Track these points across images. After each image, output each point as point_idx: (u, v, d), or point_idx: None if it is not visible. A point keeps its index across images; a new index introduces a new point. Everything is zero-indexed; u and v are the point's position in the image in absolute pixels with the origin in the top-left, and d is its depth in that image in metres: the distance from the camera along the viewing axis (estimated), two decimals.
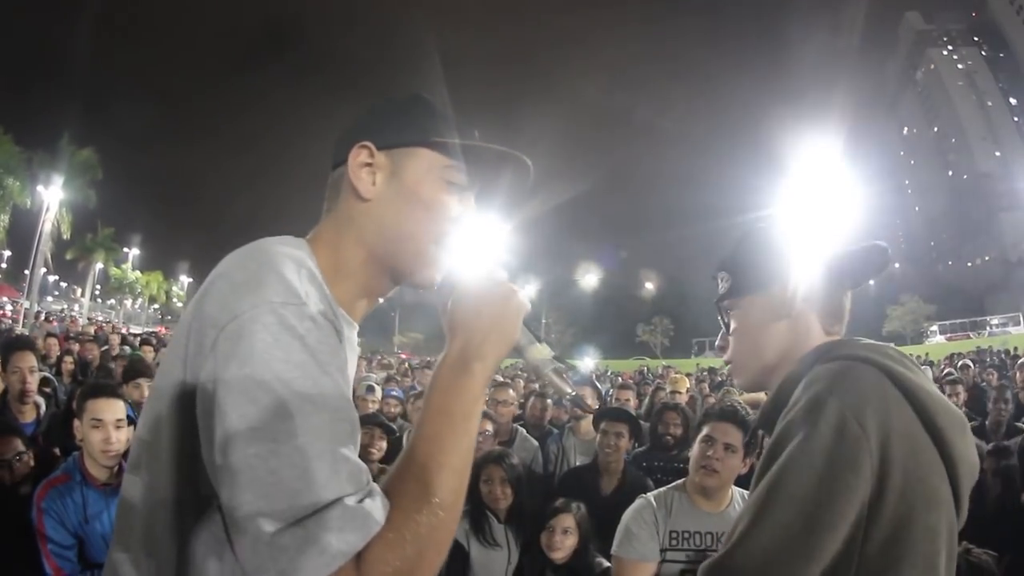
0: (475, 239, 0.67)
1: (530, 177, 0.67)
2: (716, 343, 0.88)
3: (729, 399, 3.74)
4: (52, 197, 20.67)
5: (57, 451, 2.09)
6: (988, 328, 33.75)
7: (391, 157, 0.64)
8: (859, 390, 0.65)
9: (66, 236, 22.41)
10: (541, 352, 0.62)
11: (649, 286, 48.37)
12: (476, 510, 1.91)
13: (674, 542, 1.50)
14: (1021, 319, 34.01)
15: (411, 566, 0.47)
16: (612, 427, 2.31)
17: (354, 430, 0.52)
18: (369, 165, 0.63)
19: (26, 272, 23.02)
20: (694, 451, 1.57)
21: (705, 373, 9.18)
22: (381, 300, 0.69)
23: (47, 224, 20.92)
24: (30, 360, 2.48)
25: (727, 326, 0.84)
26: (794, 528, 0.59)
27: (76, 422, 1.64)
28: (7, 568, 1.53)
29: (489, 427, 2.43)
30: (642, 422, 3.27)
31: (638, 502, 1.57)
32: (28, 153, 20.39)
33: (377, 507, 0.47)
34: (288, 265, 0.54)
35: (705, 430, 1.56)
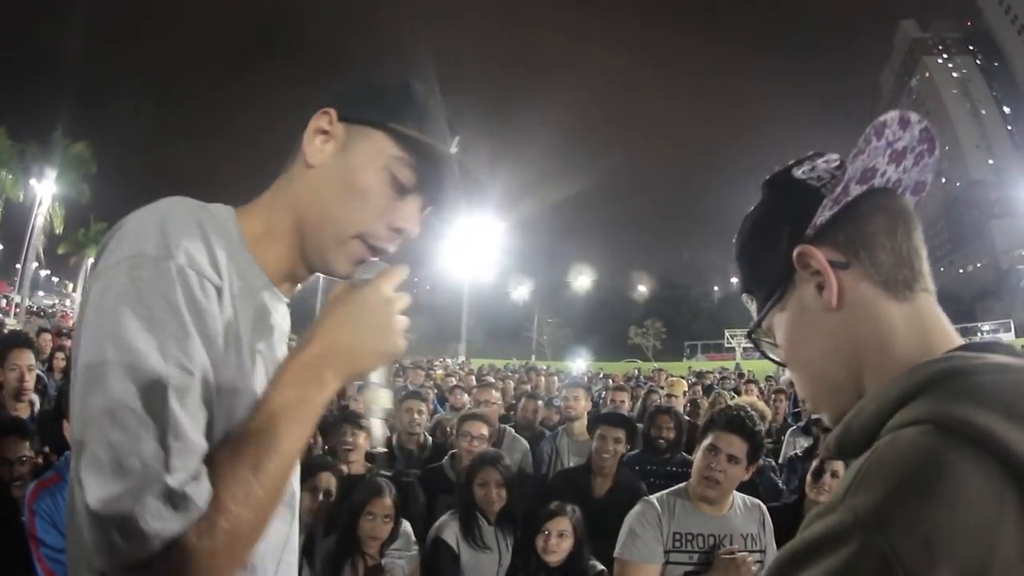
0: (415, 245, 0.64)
1: (467, 195, 0.63)
2: (783, 380, 0.70)
3: (722, 402, 3.75)
4: (45, 191, 20.48)
5: (47, 449, 2.06)
6: (979, 334, 34.07)
7: (348, 131, 0.59)
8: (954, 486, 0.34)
9: (58, 231, 22.19)
10: (382, 398, 0.60)
11: (642, 288, 48.51)
12: (467, 513, 1.90)
13: (677, 544, 1.50)
14: (1012, 326, 34.38)
15: (223, 558, 0.46)
16: (610, 432, 2.30)
17: (206, 400, 0.49)
18: (326, 133, 0.60)
19: (17, 266, 22.79)
20: (697, 459, 1.56)
21: (695, 377, 9.11)
22: (299, 286, 0.66)
23: (39, 218, 20.73)
24: (29, 358, 2.48)
25: (769, 356, 0.58)
26: None
27: (66, 423, 1.63)
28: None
29: (484, 430, 2.42)
30: (636, 424, 3.29)
31: (641, 504, 1.57)
32: (21, 146, 20.18)
33: (201, 492, 0.46)
34: (175, 224, 0.51)
35: (709, 439, 1.53)
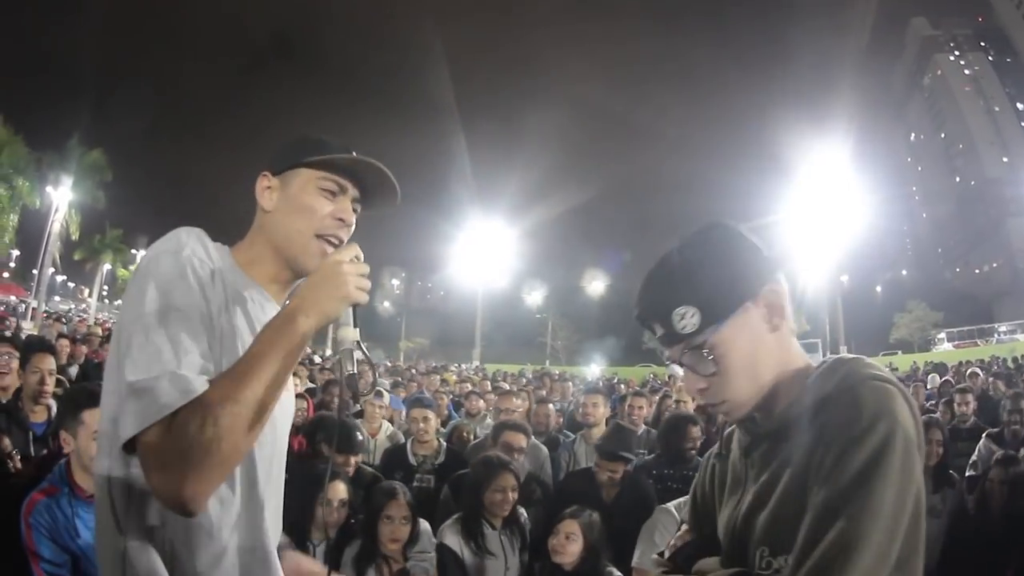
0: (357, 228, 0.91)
1: (388, 179, 0.89)
2: (692, 386, 0.74)
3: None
4: (61, 198, 20.84)
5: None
6: (996, 335, 33.36)
7: (282, 179, 0.89)
8: (898, 401, 0.66)
9: (74, 237, 22.57)
10: (349, 334, 0.79)
11: None
12: (473, 519, 1.87)
13: None
14: None
15: (216, 431, 0.67)
16: (607, 466, 2.29)
17: (204, 329, 0.76)
18: (269, 188, 0.89)
19: (34, 272, 23.21)
20: None
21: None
22: (289, 294, 0.91)
23: (56, 225, 21.09)
24: (50, 363, 2.52)
25: (709, 365, 0.70)
26: (883, 545, 0.60)
27: (64, 435, 1.56)
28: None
29: (523, 442, 2.39)
30: (651, 429, 3.26)
31: (659, 512, 1.54)
32: (38, 154, 20.59)
33: (200, 382, 0.70)
34: (186, 235, 0.82)
35: None
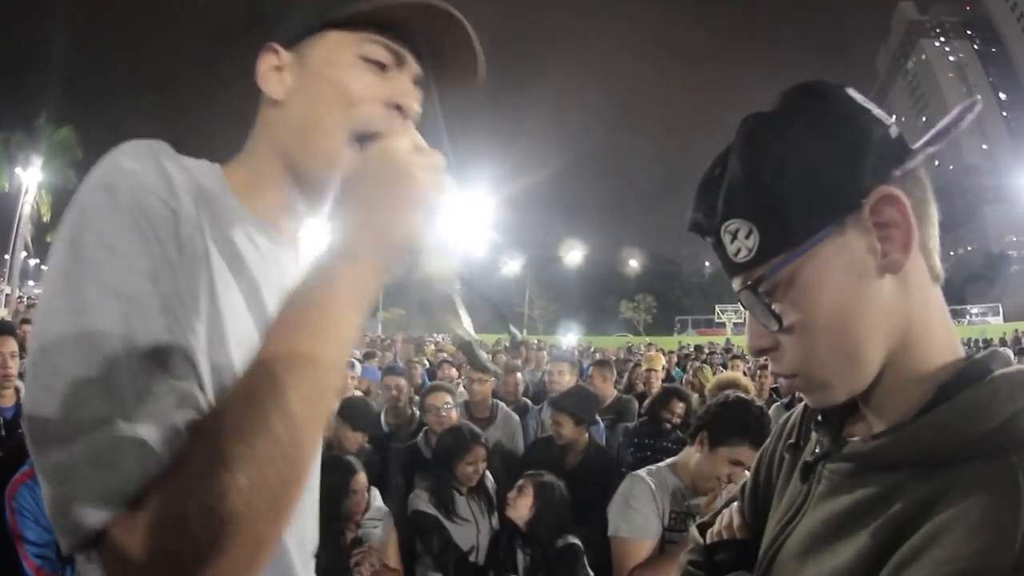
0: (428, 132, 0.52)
1: (471, 40, 0.54)
2: (754, 343, 0.46)
3: (702, 377, 3.75)
4: (30, 179, 20.11)
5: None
6: (968, 317, 34.47)
7: (298, 52, 0.54)
8: None
9: (46, 218, 21.86)
10: (443, 267, 0.46)
11: (633, 263, 48.42)
12: (442, 489, 1.89)
13: (673, 522, 1.45)
14: (1001, 310, 34.79)
15: (216, 527, 0.35)
16: (554, 416, 2.29)
17: (177, 314, 0.41)
18: (279, 68, 0.54)
19: (6, 257, 22.51)
20: (711, 464, 1.42)
21: (692, 350, 8.77)
22: (307, 218, 0.58)
23: (26, 207, 20.40)
24: (11, 345, 2.49)
25: (771, 316, 0.43)
26: None
27: None
28: None
29: (448, 399, 2.39)
30: (624, 396, 3.31)
31: (630, 480, 1.52)
32: (5, 134, 19.77)
33: (182, 417, 0.38)
34: (128, 149, 0.45)
35: (737, 454, 1.38)
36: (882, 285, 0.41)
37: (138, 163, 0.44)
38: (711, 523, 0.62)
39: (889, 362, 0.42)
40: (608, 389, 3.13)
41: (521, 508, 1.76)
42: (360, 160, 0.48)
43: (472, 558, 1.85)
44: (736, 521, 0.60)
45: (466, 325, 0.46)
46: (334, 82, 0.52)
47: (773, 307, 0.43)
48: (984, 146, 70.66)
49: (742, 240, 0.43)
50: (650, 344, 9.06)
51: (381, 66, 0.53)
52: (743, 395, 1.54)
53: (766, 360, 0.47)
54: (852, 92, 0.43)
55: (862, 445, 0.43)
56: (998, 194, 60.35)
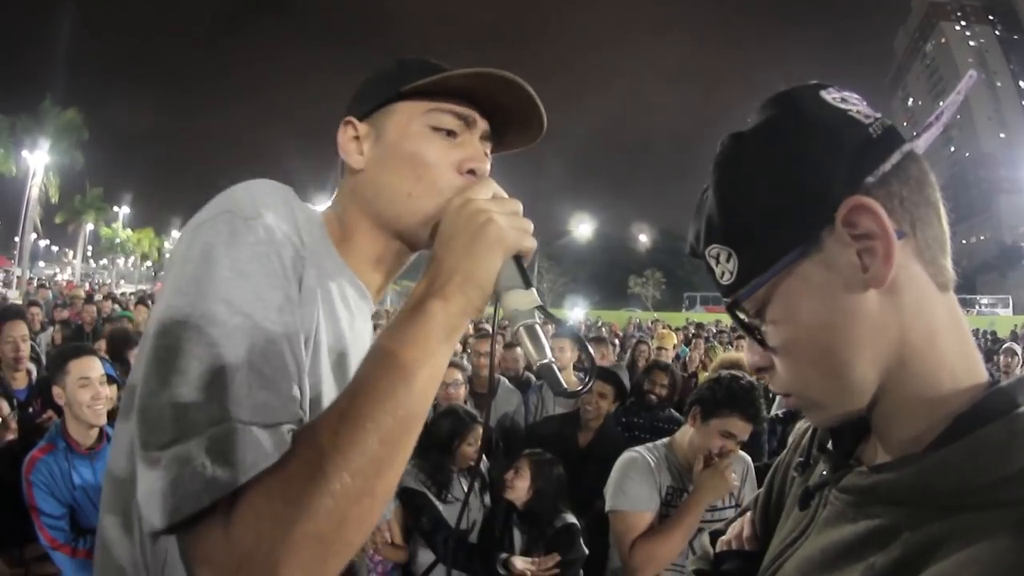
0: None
1: (526, 92, 0.58)
2: (749, 361, 0.47)
3: (713, 355, 3.73)
4: (38, 162, 20.21)
5: (51, 413, 2.13)
6: (977, 307, 34.05)
7: (373, 123, 0.60)
8: None
9: (54, 200, 22.05)
10: (522, 299, 0.49)
11: (643, 238, 48.09)
12: (438, 469, 1.87)
13: (670, 498, 1.47)
14: (1011, 302, 34.35)
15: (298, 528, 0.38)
16: (598, 387, 2.26)
17: (290, 357, 0.46)
18: (357, 139, 0.60)
19: (16, 240, 22.75)
20: (702, 436, 1.47)
21: (695, 329, 8.56)
22: (393, 274, 0.64)
23: (34, 190, 20.54)
24: (22, 329, 2.62)
25: (757, 336, 0.43)
26: None
27: (56, 389, 1.65)
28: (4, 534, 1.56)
29: (458, 375, 2.39)
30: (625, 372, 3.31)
31: (628, 456, 1.54)
32: (11, 119, 19.81)
33: (276, 441, 0.41)
34: (267, 190, 0.52)
35: (722, 423, 1.44)
36: (867, 300, 0.38)
37: (276, 203, 0.51)
38: (724, 532, 0.63)
39: (887, 382, 0.39)
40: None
41: (519, 489, 1.75)
42: (446, 210, 0.53)
43: (468, 535, 1.84)
44: (747, 532, 0.59)
45: (547, 351, 0.49)
46: (411, 152, 0.57)
47: (763, 328, 0.42)
48: (1002, 135, 68.94)
49: (724, 264, 0.43)
50: (656, 320, 8.94)
51: (449, 132, 0.58)
52: (736, 373, 1.58)
53: (765, 377, 0.46)
54: (827, 94, 0.41)
55: (860, 479, 0.40)
56: (1014, 185, 59.09)
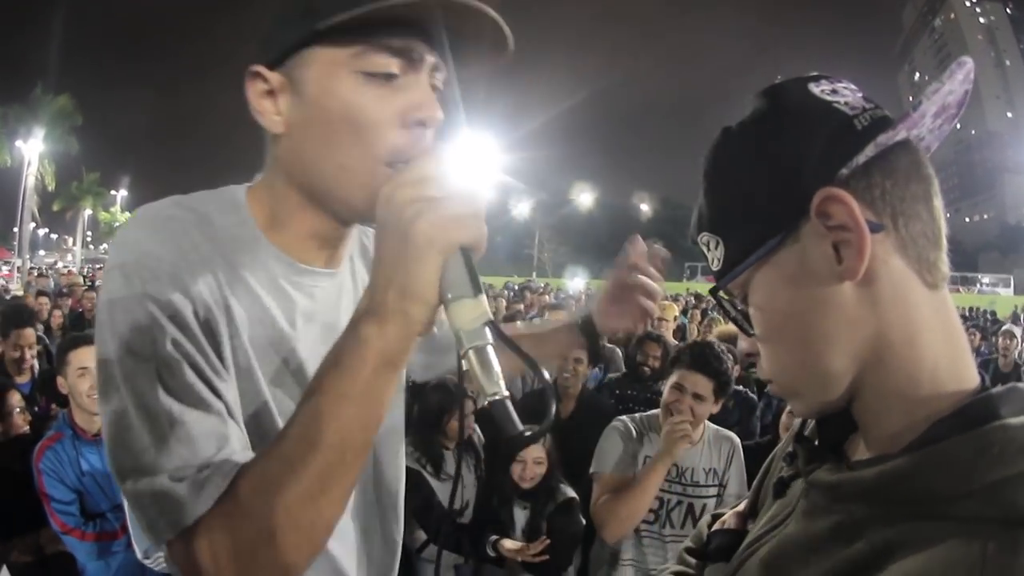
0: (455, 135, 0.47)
1: (483, 14, 0.46)
2: (739, 347, 0.49)
3: (715, 329, 3.68)
4: (32, 150, 20.02)
5: (55, 406, 2.16)
6: (978, 285, 33.96)
7: (287, 74, 0.47)
8: None
9: (51, 188, 21.90)
10: (467, 312, 0.40)
11: (644, 208, 47.81)
12: (431, 444, 1.86)
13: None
14: (1012, 282, 34.27)
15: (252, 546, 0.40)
16: (574, 352, 2.16)
17: (215, 392, 0.45)
18: (271, 93, 0.48)
19: (15, 230, 22.68)
20: (664, 394, 1.54)
21: (694, 300, 8.47)
22: (345, 238, 0.56)
23: (30, 179, 20.39)
24: (30, 337, 2.70)
25: (743, 324, 0.45)
26: None
27: (60, 379, 1.70)
28: (16, 520, 1.62)
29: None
30: (618, 349, 3.16)
31: (613, 424, 1.58)
32: (3, 109, 19.57)
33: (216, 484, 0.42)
34: (161, 227, 0.47)
35: (675, 377, 1.51)
36: (841, 292, 0.38)
37: (155, 242, 0.46)
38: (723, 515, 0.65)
39: (865, 376, 0.39)
40: None
41: (539, 477, 1.74)
42: (378, 201, 0.42)
43: (461, 515, 1.83)
44: (742, 509, 0.61)
45: (499, 381, 0.40)
46: (341, 111, 0.46)
47: (749, 313, 0.43)
48: (1009, 114, 67.76)
49: (713, 251, 0.44)
50: None
51: (387, 76, 0.46)
52: (711, 340, 1.70)
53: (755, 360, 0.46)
54: (816, 86, 0.41)
55: (828, 475, 0.41)
56: (1019, 165, 58.33)
